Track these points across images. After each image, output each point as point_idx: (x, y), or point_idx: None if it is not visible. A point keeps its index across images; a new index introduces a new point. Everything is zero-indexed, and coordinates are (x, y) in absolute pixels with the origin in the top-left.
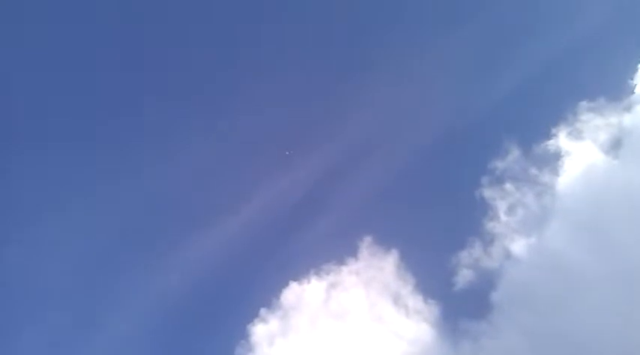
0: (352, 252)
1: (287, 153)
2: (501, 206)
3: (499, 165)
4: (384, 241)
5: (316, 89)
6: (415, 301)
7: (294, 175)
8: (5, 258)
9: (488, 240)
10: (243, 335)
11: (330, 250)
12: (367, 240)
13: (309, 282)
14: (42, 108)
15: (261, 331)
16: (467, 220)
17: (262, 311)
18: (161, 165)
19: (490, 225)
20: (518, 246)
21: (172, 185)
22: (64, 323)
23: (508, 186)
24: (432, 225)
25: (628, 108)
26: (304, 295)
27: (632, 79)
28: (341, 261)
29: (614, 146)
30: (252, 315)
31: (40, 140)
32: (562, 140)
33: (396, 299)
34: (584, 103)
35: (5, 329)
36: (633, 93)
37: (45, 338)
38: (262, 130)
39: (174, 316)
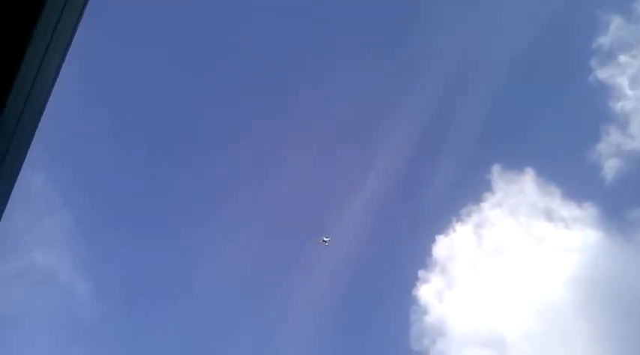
0: (486, 186)
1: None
2: (622, 81)
3: (604, 40)
4: (515, 163)
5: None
6: (569, 210)
7: (399, 137)
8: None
9: (623, 122)
10: (412, 301)
11: (462, 193)
12: (496, 169)
13: (454, 231)
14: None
15: (426, 292)
16: (591, 109)
17: (420, 273)
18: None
19: (619, 105)
20: None
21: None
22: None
23: (622, 57)
24: (557, 127)
25: None
26: (455, 244)
27: None
28: (478, 199)
29: None
30: (412, 280)
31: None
32: None
33: (549, 215)
34: None
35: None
36: None
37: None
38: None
39: (348, 297)
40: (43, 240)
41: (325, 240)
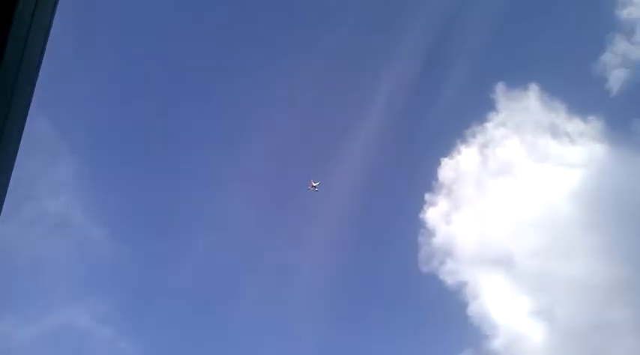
0: (489, 105)
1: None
2: None
3: None
4: (518, 81)
5: None
6: (574, 125)
7: (399, 61)
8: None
9: (628, 30)
10: (419, 224)
11: (465, 113)
12: (500, 87)
13: (459, 152)
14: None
15: (433, 214)
16: (595, 18)
17: (427, 196)
18: None
19: (625, 12)
20: None
21: None
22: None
23: None
24: (560, 39)
25: None
26: (460, 166)
27: None
28: (482, 119)
29: None
30: (419, 204)
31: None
32: None
33: (554, 131)
34: None
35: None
36: None
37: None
38: None
39: (355, 224)
40: (54, 187)
41: (314, 185)
